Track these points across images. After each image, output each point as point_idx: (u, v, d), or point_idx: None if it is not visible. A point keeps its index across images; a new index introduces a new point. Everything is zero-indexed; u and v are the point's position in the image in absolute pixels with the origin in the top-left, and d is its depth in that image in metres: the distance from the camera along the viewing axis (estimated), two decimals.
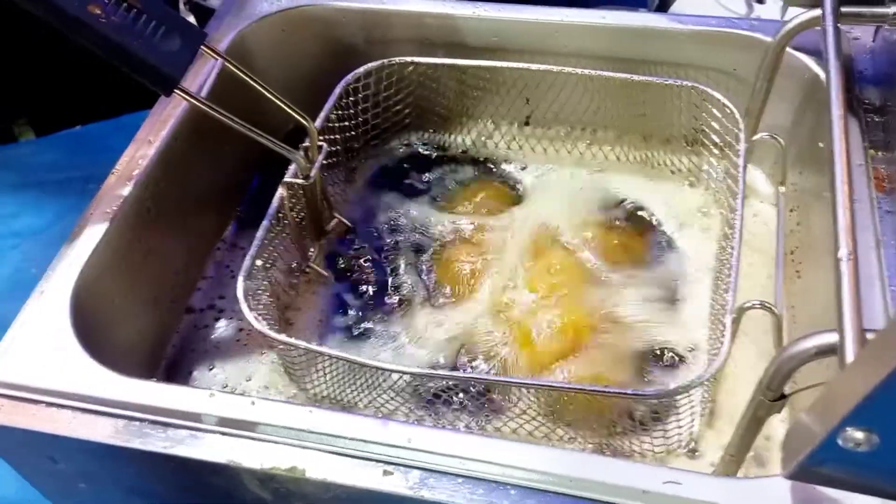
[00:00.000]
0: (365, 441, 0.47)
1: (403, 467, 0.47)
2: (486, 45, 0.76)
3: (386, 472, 0.47)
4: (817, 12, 0.60)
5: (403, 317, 0.68)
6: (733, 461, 0.51)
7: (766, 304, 0.53)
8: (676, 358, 0.64)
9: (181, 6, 1.13)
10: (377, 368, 0.56)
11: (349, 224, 0.75)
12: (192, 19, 1.08)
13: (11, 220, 0.98)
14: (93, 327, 0.56)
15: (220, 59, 0.61)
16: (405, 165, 0.81)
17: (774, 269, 0.66)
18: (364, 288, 0.71)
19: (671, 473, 0.44)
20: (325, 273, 0.72)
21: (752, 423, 0.47)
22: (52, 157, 1.06)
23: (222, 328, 0.69)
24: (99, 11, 0.52)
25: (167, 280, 0.68)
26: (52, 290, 0.56)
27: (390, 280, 0.71)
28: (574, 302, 0.67)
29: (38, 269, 0.58)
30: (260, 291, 0.62)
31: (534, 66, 0.73)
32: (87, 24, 0.52)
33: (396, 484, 0.46)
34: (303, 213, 0.69)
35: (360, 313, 0.69)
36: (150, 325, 0.66)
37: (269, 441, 0.48)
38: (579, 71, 0.72)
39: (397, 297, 0.70)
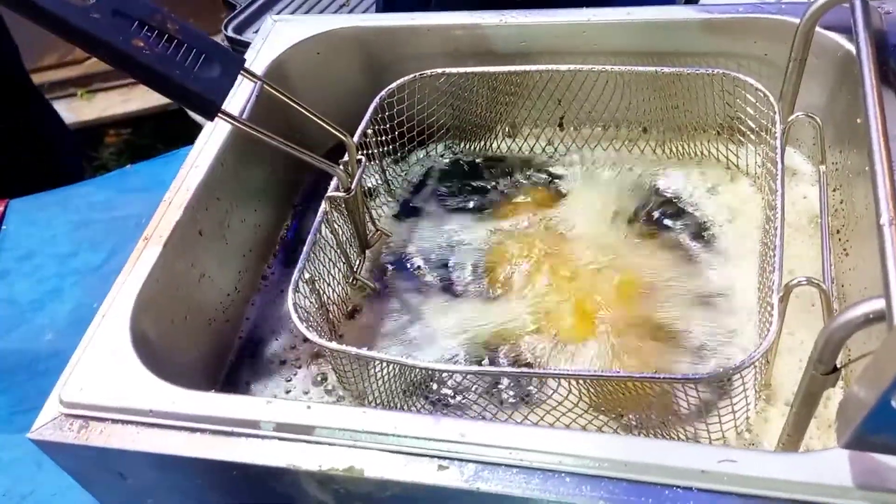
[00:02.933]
0: (418, 438, 0.48)
1: (458, 461, 0.47)
2: (515, 51, 0.77)
3: (441, 467, 0.47)
4: None
5: (451, 320, 0.69)
6: (791, 440, 0.50)
7: (813, 280, 0.52)
8: (723, 347, 0.63)
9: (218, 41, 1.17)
10: (429, 370, 0.57)
11: (390, 234, 0.77)
12: None
13: (70, 258, 1.02)
14: (153, 347, 0.59)
15: (259, 83, 0.63)
16: (442, 175, 0.83)
17: (821, 248, 0.65)
18: (410, 295, 0.72)
19: (727, 452, 0.44)
20: (372, 284, 0.73)
21: (807, 399, 0.47)
22: (104, 196, 1.10)
23: (275, 342, 0.71)
24: (143, 44, 0.55)
25: (221, 299, 0.70)
26: (112, 313, 0.59)
27: (436, 286, 0.72)
28: (619, 298, 0.68)
29: (98, 304, 0.61)
30: (309, 304, 0.63)
31: (563, 67, 0.74)
32: (133, 57, 0.54)
33: (452, 478, 0.47)
34: (346, 226, 0.70)
35: (408, 319, 0.70)
36: (207, 342, 0.68)
37: (326, 443, 0.49)
38: (609, 68, 0.72)
39: (443, 302, 0.71)
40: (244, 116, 0.61)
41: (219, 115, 0.58)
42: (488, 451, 0.47)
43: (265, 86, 0.63)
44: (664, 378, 0.52)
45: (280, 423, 0.50)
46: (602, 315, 0.66)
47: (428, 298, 0.71)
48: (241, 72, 0.60)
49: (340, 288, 0.70)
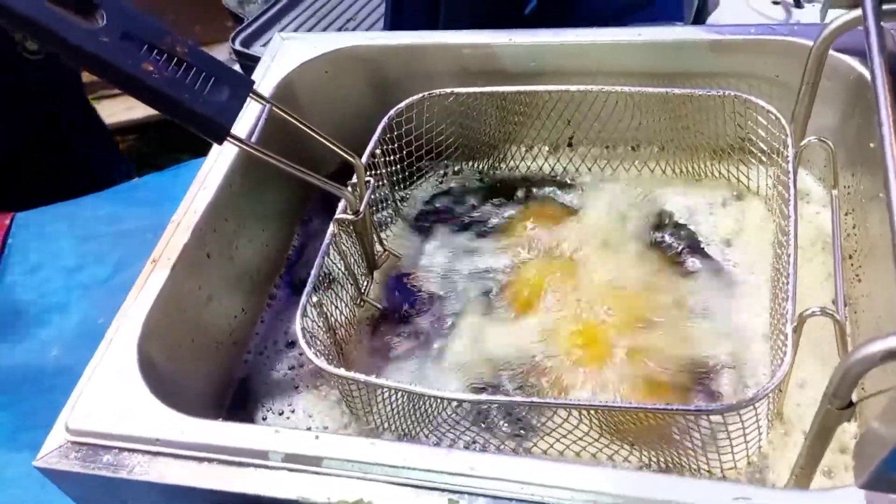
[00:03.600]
0: (428, 470, 0.48)
1: (468, 495, 0.47)
2: (525, 71, 0.77)
3: (451, 501, 0.47)
4: (858, 12, 0.59)
5: (460, 342, 0.68)
6: (804, 475, 0.50)
7: (828, 311, 0.52)
8: (734, 375, 0.63)
9: (227, 56, 1.17)
10: (437, 398, 0.57)
11: (399, 256, 0.76)
12: (237, 67, 1.12)
13: (76, 272, 1.02)
14: (160, 372, 0.58)
15: (268, 105, 0.63)
16: (451, 195, 0.82)
17: (833, 275, 0.64)
18: (419, 319, 0.71)
19: (740, 489, 0.44)
20: (380, 306, 0.73)
21: (821, 434, 0.46)
22: (111, 209, 1.10)
23: (282, 367, 0.71)
24: (152, 68, 0.55)
25: (229, 321, 0.70)
26: (118, 338, 0.58)
27: (445, 308, 0.72)
28: (629, 322, 0.67)
29: (104, 319, 0.61)
30: (317, 328, 0.63)
31: (573, 88, 0.73)
32: (142, 80, 0.54)
33: None
34: (354, 249, 0.70)
35: (417, 344, 0.70)
36: (214, 367, 0.68)
37: (334, 475, 0.49)
38: (619, 89, 0.72)
39: (453, 324, 0.70)
40: (252, 139, 0.60)
41: (228, 139, 0.58)
42: (499, 486, 0.47)
43: (274, 108, 0.63)
44: (677, 409, 0.51)
45: (288, 453, 0.50)
46: (612, 339, 0.66)
47: (437, 320, 0.71)
48: (250, 94, 0.60)
49: (348, 310, 0.70)
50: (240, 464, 0.50)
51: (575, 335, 0.67)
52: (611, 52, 0.74)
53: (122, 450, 0.52)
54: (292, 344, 0.72)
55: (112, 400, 0.54)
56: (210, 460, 0.51)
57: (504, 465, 0.47)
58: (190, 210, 0.67)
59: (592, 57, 0.75)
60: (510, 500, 0.46)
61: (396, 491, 0.48)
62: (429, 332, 0.70)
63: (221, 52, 1.36)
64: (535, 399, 0.59)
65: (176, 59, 0.56)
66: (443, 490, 0.47)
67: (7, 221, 1.08)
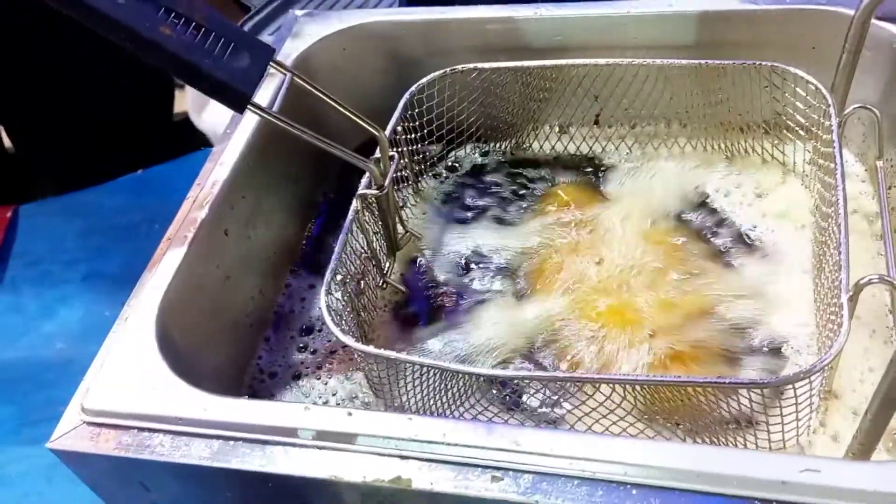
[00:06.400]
0: (469, 446, 0.45)
1: (513, 472, 0.44)
2: (550, 46, 0.74)
3: (495, 478, 0.44)
4: None
5: (488, 323, 0.66)
6: (863, 449, 0.47)
7: (886, 279, 0.49)
8: (781, 351, 0.60)
9: None
10: (467, 373, 0.54)
11: (420, 237, 0.74)
12: None
13: (81, 264, 0.99)
14: (179, 351, 0.56)
15: (289, 75, 0.60)
16: (473, 173, 0.80)
17: (877, 249, 0.62)
18: (442, 299, 0.69)
19: (809, 461, 0.41)
20: (402, 287, 0.70)
21: (886, 405, 0.44)
22: (116, 201, 1.08)
23: (302, 348, 0.68)
24: (170, 32, 0.52)
25: (246, 301, 0.67)
26: (136, 315, 0.56)
27: (469, 290, 0.69)
28: (662, 300, 0.65)
29: (110, 312, 0.58)
30: (342, 306, 0.60)
31: (601, 62, 0.71)
32: (160, 44, 0.52)
33: (507, 490, 0.44)
34: (377, 227, 0.67)
35: (441, 326, 0.67)
36: (233, 347, 0.65)
37: (369, 453, 0.46)
38: (648, 61, 0.69)
39: (478, 304, 0.68)
40: (274, 109, 0.58)
41: (249, 107, 0.55)
42: (546, 461, 0.44)
43: (294, 79, 0.60)
44: (730, 383, 0.49)
45: (320, 430, 0.47)
46: (647, 319, 0.63)
47: (462, 301, 0.68)
48: (270, 63, 0.57)
49: (371, 291, 0.67)
50: (268, 442, 0.47)
51: (608, 314, 0.64)
52: (641, 24, 0.72)
53: (142, 429, 0.49)
54: (311, 327, 0.69)
55: (130, 378, 0.52)
56: (236, 439, 0.48)
57: (550, 440, 0.45)
58: (206, 186, 0.64)
59: (620, 30, 0.72)
60: (559, 476, 0.43)
61: (436, 469, 0.45)
62: (453, 313, 0.68)
63: None
64: (575, 374, 0.57)
65: (194, 23, 0.53)
66: (486, 467, 0.44)
67: (9, 214, 1.06)
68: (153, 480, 0.51)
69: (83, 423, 0.50)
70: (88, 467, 0.51)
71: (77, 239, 1.04)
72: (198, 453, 0.48)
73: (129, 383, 0.51)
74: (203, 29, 0.54)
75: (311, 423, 0.47)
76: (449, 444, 0.45)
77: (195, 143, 1.10)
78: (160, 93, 1.34)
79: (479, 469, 0.45)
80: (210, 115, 1.08)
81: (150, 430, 0.49)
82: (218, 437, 0.48)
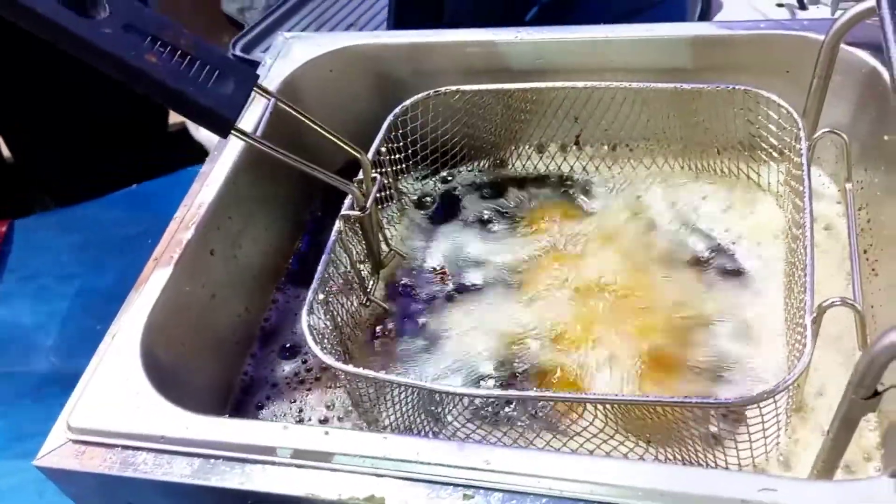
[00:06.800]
0: (442, 465, 0.46)
1: (484, 490, 0.45)
2: (531, 68, 0.76)
3: (466, 496, 0.45)
4: (871, 3, 0.58)
5: (469, 341, 0.67)
6: (826, 468, 0.49)
7: (848, 301, 0.51)
8: (747, 371, 0.62)
9: None
10: (448, 394, 0.55)
11: (405, 255, 0.75)
12: None
13: (75, 279, 1.00)
14: (163, 370, 0.57)
15: (272, 100, 0.62)
16: (457, 194, 0.81)
17: (850, 268, 0.63)
18: (425, 319, 0.70)
19: (767, 480, 0.42)
20: (385, 306, 0.71)
21: (845, 425, 0.45)
22: (111, 215, 1.09)
23: (286, 366, 0.69)
24: (155, 60, 0.54)
25: (232, 320, 0.69)
26: (121, 335, 0.57)
27: (451, 308, 0.70)
28: (640, 318, 0.66)
29: (102, 326, 0.59)
30: (324, 325, 0.61)
31: (580, 84, 0.72)
32: (146, 72, 0.53)
33: None
34: (360, 246, 0.69)
35: (424, 344, 0.68)
36: (217, 366, 0.66)
37: (345, 471, 0.47)
38: (626, 84, 0.71)
39: (459, 322, 0.69)
40: (258, 133, 0.59)
41: (232, 132, 0.57)
42: (515, 480, 0.45)
43: (278, 103, 0.62)
44: (696, 403, 0.50)
45: (297, 449, 0.48)
46: (622, 336, 0.65)
47: (443, 319, 0.70)
48: (255, 88, 0.59)
49: (354, 309, 0.68)
50: (246, 460, 0.49)
51: (585, 333, 0.66)
52: (619, 48, 0.73)
53: (126, 447, 0.51)
54: (297, 344, 0.71)
55: (115, 397, 0.53)
56: (217, 457, 0.49)
57: (520, 459, 0.46)
58: (193, 207, 0.65)
59: (600, 54, 0.74)
60: (527, 494, 0.45)
61: (409, 487, 0.46)
62: (435, 331, 0.69)
63: None
64: (548, 393, 0.58)
65: (180, 51, 0.55)
66: (457, 485, 0.46)
67: (4, 228, 1.07)
68: (139, 497, 0.52)
69: (69, 441, 0.52)
70: (75, 485, 0.53)
71: (72, 253, 1.05)
72: (179, 471, 0.49)
73: (113, 402, 0.53)
74: (189, 56, 0.55)
75: (289, 441, 0.48)
76: (422, 463, 0.46)
77: (192, 153, 1.11)
78: None
79: (451, 487, 0.46)
80: None
81: (133, 448, 0.51)
82: (199, 456, 0.49)
